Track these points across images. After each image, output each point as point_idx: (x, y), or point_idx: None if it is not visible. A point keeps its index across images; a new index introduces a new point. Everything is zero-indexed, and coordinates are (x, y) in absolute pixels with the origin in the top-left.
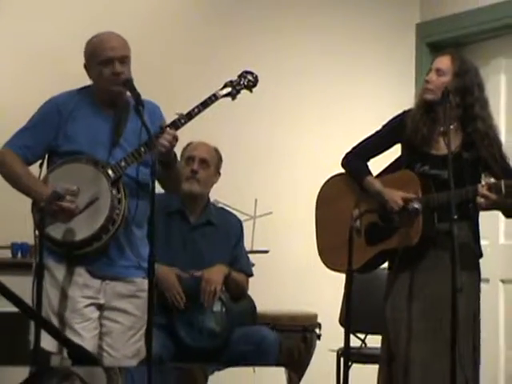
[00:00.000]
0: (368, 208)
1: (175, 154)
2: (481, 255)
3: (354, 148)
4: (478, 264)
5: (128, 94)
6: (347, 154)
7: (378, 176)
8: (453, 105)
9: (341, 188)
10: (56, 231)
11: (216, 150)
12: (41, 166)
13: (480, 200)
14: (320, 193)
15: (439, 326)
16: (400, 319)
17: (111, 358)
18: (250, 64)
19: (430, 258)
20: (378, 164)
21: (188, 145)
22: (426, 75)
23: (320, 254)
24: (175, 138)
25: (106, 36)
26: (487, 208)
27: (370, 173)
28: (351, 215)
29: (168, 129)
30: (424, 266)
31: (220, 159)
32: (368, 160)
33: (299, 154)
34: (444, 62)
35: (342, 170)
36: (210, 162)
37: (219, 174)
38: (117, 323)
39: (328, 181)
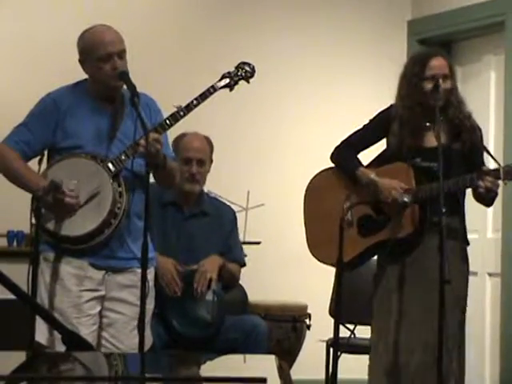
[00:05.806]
0: (360, 200)
1: (164, 156)
2: (468, 244)
3: (342, 142)
4: (467, 256)
5: (124, 87)
6: (336, 148)
7: (367, 168)
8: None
9: (330, 182)
10: (57, 226)
11: (208, 140)
12: (39, 162)
13: (487, 184)
14: (308, 187)
15: (429, 315)
16: (389, 310)
17: (116, 349)
18: (246, 57)
19: (420, 249)
20: (363, 157)
21: (181, 136)
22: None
23: (309, 248)
24: (156, 141)
25: (100, 30)
26: (490, 190)
27: (361, 164)
28: (342, 207)
29: (151, 133)
30: (414, 258)
31: (212, 148)
32: (357, 153)
33: (292, 146)
34: (444, 65)
35: (333, 164)
36: (205, 159)
37: (212, 161)
38: (119, 314)
39: (316, 175)
